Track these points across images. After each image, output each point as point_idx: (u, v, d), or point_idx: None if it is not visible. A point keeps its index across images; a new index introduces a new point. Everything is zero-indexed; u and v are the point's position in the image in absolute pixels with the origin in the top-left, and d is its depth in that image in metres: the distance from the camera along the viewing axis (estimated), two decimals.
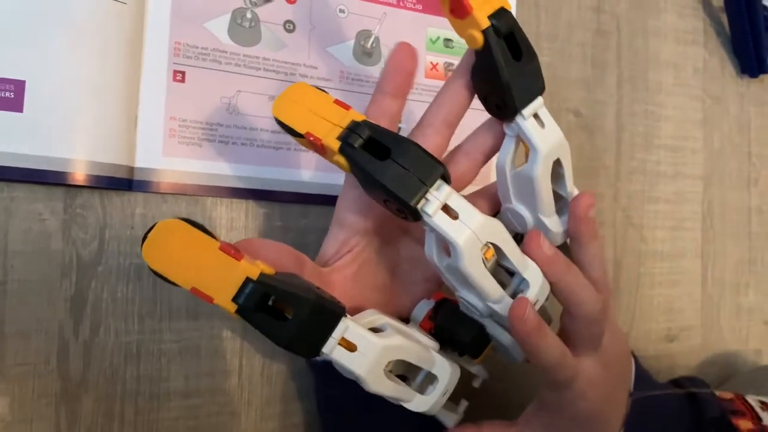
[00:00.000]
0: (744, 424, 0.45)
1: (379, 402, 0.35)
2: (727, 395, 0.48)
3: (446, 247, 0.34)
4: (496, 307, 0.34)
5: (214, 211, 0.43)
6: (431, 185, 0.32)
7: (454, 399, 0.38)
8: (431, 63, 0.50)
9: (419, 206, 0.32)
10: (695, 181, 0.62)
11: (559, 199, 0.39)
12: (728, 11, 0.63)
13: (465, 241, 0.32)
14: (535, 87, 0.35)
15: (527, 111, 0.35)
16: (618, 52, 0.58)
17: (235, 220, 0.43)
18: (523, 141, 0.36)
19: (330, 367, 0.35)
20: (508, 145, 0.37)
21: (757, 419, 0.45)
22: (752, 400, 0.48)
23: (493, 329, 0.37)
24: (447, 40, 0.50)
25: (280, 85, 0.45)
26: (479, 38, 0.33)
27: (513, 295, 0.35)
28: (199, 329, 0.42)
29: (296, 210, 0.45)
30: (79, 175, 0.38)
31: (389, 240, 0.41)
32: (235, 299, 0.31)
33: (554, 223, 0.38)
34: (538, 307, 0.35)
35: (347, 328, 0.32)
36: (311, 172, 0.45)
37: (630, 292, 0.58)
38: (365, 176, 0.32)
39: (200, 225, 0.31)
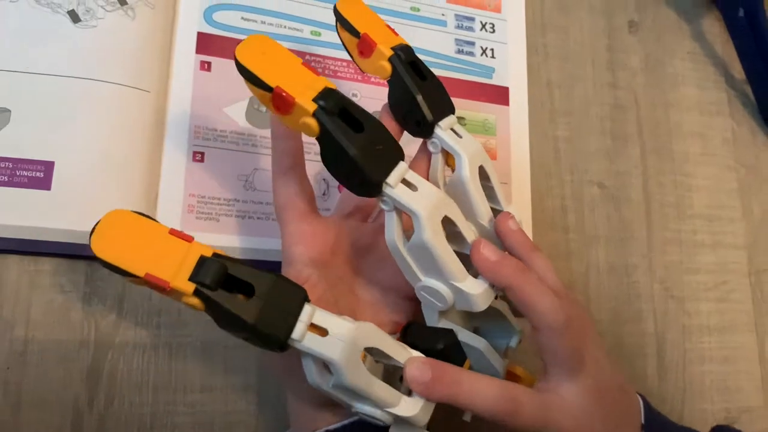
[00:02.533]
0: None
1: None
2: None
3: (406, 227, 0.34)
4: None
5: None
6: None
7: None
8: None
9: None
10: (738, 251, 0.59)
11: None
12: (751, 82, 0.63)
13: (427, 211, 0.32)
14: (446, 106, 0.39)
15: (444, 124, 0.38)
16: (638, 124, 0.58)
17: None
18: (447, 154, 0.39)
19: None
20: (435, 162, 0.39)
21: None
22: None
23: (463, 336, 0.36)
24: (459, 118, 0.52)
25: None
26: (387, 66, 0.38)
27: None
28: (212, 402, 0.42)
29: None
30: None
31: (345, 269, 0.39)
32: (192, 278, 0.29)
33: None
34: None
35: (314, 311, 0.31)
36: None
37: (677, 369, 0.54)
38: (334, 146, 0.31)
39: (148, 215, 0.31)
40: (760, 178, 0.62)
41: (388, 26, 0.41)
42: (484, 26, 0.55)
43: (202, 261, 0.29)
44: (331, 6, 0.40)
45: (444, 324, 0.37)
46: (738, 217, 0.60)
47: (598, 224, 0.55)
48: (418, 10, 0.53)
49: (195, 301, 0.30)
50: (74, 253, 0.40)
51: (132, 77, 0.43)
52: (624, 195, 0.56)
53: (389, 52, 0.38)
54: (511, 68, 0.55)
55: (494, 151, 0.52)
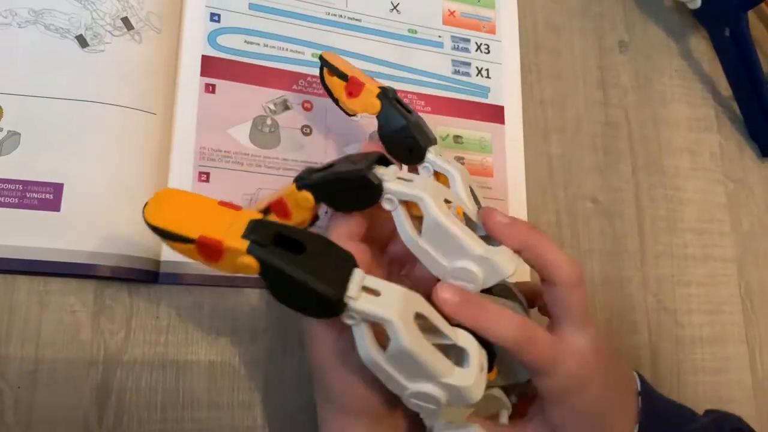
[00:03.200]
0: None
1: None
2: None
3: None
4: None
5: (237, 300, 0.45)
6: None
7: None
8: None
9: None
10: (727, 263, 0.60)
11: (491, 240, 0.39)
12: (737, 99, 0.65)
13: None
14: (431, 137, 0.43)
15: (432, 149, 0.42)
16: (630, 140, 0.60)
17: (257, 309, 0.45)
18: (439, 176, 0.41)
19: None
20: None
21: None
22: None
23: None
24: (456, 137, 0.53)
25: None
26: (377, 102, 0.42)
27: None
28: (220, 419, 0.42)
29: None
30: (110, 268, 0.41)
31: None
32: (245, 236, 0.29)
33: (496, 252, 0.36)
34: (484, 372, 0.34)
35: (364, 276, 0.31)
36: None
37: (671, 380, 0.55)
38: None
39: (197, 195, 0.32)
40: (748, 192, 0.64)
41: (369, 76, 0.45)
42: (479, 47, 0.56)
43: (253, 223, 0.30)
44: (333, 29, 0.41)
45: None
46: (727, 230, 0.62)
47: (592, 238, 0.56)
48: (416, 32, 0.55)
49: (249, 260, 0.29)
50: (83, 273, 0.41)
51: (139, 100, 0.44)
52: (617, 210, 0.58)
53: (377, 90, 0.42)
54: (505, 88, 0.56)
55: (490, 169, 0.53)
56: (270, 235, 0.30)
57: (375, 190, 0.35)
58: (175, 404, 0.42)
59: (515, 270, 0.35)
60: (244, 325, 0.44)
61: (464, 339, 0.34)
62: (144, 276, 0.42)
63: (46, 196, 0.41)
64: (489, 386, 0.37)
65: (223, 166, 0.46)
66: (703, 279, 0.59)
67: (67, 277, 0.41)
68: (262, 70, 0.49)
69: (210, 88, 0.47)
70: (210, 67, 0.47)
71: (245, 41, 0.49)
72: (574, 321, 0.36)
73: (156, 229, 0.30)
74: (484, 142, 0.54)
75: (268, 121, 0.48)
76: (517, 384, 0.40)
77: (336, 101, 0.45)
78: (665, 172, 0.61)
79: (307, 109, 0.50)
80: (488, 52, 0.56)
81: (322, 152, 0.49)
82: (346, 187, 0.35)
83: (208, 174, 0.46)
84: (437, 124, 0.53)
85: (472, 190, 0.41)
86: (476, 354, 0.33)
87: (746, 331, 0.59)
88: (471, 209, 0.39)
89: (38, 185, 0.41)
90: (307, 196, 0.36)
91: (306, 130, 0.49)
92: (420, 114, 0.44)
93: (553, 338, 0.36)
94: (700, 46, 0.66)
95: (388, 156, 0.38)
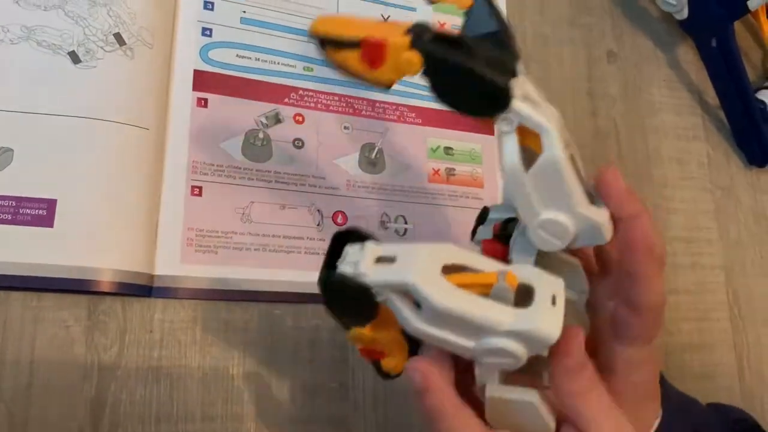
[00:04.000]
0: None
1: None
2: None
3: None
4: (587, 213, 0.30)
5: (230, 314, 0.45)
6: (513, 75, 0.29)
7: None
8: (433, 169, 0.53)
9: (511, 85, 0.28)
10: (715, 270, 0.61)
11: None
12: (724, 108, 0.65)
13: (556, 126, 0.29)
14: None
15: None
16: (619, 150, 0.61)
17: (250, 322, 0.45)
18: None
19: None
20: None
21: None
22: None
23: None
24: (447, 148, 0.54)
25: (291, 195, 0.48)
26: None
27: None
28: (213, 431, 0.43)
29: (309, 310, 0.46)
30: (103, 283, 0.41)
31: None
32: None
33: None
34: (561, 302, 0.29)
35: (380, 245, 0.30)
36: None
37: None
38: (446, 70, 0.29)
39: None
40: (734, 200, 0.65)
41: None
42: None
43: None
44: None
45: None
46: (715, 238, 0.62)
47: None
48: None
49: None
50: (77, 289, 0.41)
51: (132, 115, 0.44)
52: None
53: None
54: None
55: (481, 180, 0.54)
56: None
57: (503, 100, 0.28)
58: (169, 417, 0.42)
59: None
60: (236, 339, 0.44)
61: (520, 270, 0.30)
62: (137, 290, 0.42)
63: (40, 212, 0.41)
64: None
65: (216, 179, 0.46)
66: (692, 286, 0.60)
67: (60, 293, 0.41)
68: (253, 83, 0.49)
69: (202, 103, 0.47)
70: (202, 81, 0.48)
71: (237, 55, 0.49)
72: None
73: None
74: (474, 154, 0.54)
75: (260, 135, 0.49)
76: None
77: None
78: (654, 181, 0.61)
79: (298, 122, 0.50)
80: None
81: (314, 165, 0.49)
82: (469, 82, 0.28)
83: (200, 188, 0.46)
84: (428, 136, 0.53)
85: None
86: (543, 284, 0.29)
87: (734, 337, 0.60)
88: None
89: (31, 201, 0.41)
90: (415, 60, 0.29)
91: (298, 144, 0.50)
92: (410, 125, 0.41)
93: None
94: (688, 56, 0.67)
95: None
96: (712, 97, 0.66)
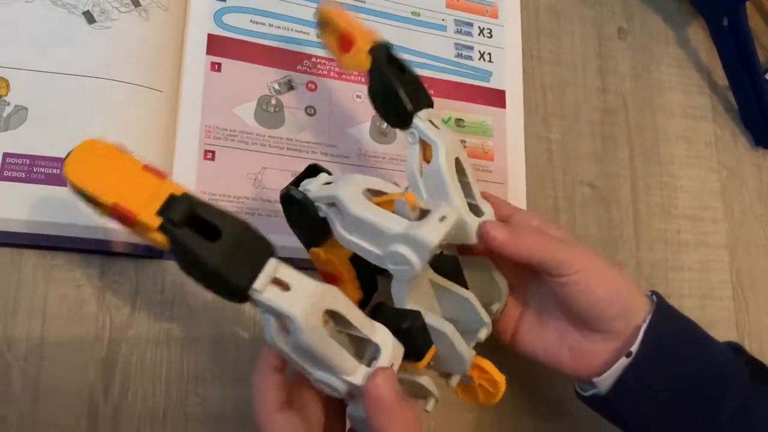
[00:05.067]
0: None
1: None
2: None
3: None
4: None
5: None
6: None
7: None
8: None
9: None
10: (719, 249, 0.62)
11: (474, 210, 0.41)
12: (733, 89, 0.65)
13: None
14: (425, 99, 0.41)
15: (422, 114, 0.40)
16: (627, 127, 0.61)
17: None
18: (425, 145, 0.40)
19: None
20: (413, 153, 0.41)
21: None
22: None
23: (430, 319, 0.37)
24: (458, 120, 0.54)
25: (303, 162, 0.48)
26: (367, 59, 0.40)
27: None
28: (223, 393, 0.43)
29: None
30: (117, 243, 0.41)
31: None
32: (160, 213, 0.29)
33: (469, 216, 0.40)
34: (395, 368, 0.34)
35: (278, 266, 0.31)
36: None
37: None
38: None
39: (122, 148, 0.31)
40: (740, 181, 0.65)
41: (369, 28, 0.43)
42: (482, 31, 0.57)
43: (172, 198, 0.30)
44: None
45: (412, 308, 0.37)
46: (720, 217, 0.63)
47: (588, 223, 0.57)
48: (419, 15, 0.55)
49: (159, 237, 0.30)
50: (89, 248, 0.41)
51: (146, 77, 0.44)
52: (613, 196, 0.59)
53: (368, 45, 0.41)
54: (507, 72, 0.57)
55: (491, 152, 0.54)
56: (186, 214, 0.29)
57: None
58: (179, 379, 0.42)
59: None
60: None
61: (381, 336, 0.34)
62: (149, 252, 0.42)
63: (53, 171, 0.41)
64: (418, 374, 0.38)
65: (229, 144, 0.46)
66: (696, 265, 0.60)
67: (73, 252, 0.41)
68: (267, 49, 0.49)
69: (216, 67, 0.47)
70: (216, 45, 0.47)
71: (251, 20, 0.49)
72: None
73: (74, 187, 0.30)
74: (485, 126, 0.54)
75: (273, 101, 0.48)
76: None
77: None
78: (661, 160, 0.62)
79: (311, 90, 0.50)
80: (491, 36, 0.57)
81: (325, 133, 0.49)
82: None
83: (213, 152, 0.46)
84: (440, 107, 0.53)
85: (460, 164, 0.40)
86: (388, 351, 0.33)
87: (736, 316, 0.61)
88: (458, 201, 0.39)
89: (45, 160, 0.41)
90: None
91: (310, 111, 0.49)
92: None
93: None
94: (698, 35, 0.67)
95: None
96: (720, 77, 0.66)
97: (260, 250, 0.31)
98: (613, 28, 0.63)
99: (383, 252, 0.35)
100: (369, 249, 0.36)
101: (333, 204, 0.36)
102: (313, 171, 0.39)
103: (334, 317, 0.33)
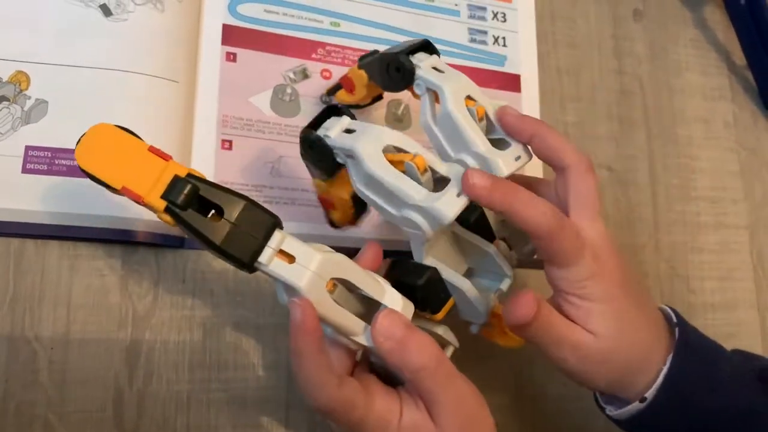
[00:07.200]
0: None
1: None
2: None
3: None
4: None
5: None
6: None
7: None
8: None
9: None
10: (739, 230, 0.61)
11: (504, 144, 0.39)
12: (752, 68, 0.65)
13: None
14: (424, 48, 0.41)
15: (424, 64, 0.40)
16: (644, 109, 0.60)
17: None
18: (435, 94, 0.39)
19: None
20: (424, 104, 0.40)
21: None
22: None
23: (447, 274, 0.37)
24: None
25: None
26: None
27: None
28: (245, 379, 0.44)
29: None
30: (138, 233, 0.42)
31: None
32: (164, 196, 0.31)
33: (493, 152, 0.37)
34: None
35: (284, 239, 0.32)
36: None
37: None
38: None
39: (131, 131, 0.33)
40: (761, 161, 0.64)
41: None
42: (495, 15, 0.56)
43: (176, 180, 0.31)
44: None
45: (431, 263, 0.38)
46: (740, 198, 0.62)
47: (606, 206, 0.57)
48: (432, 0, 0.55)
49: (167, 218, 0.32)
50: (111, 238, 0.42)
51: (162, 68, 0.44)
52: (631, 178, 0.58)
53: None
54: (522, 56, 0.56)
55: None
56: (189, 195, 0.31)
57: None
58: (202, 365, 0.43)
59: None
60: (267, 288, 0.45)
61: (390, 297, 0.35)
62: (170, 241, 0.43)
63: (74, 163, 0.41)
64: (436, 324, 0.39)
65: (245, 134, 0.47)
66: (715, 246, 0.60)
67: (95, 242, 0.42)
68: (281, 38, 0.49)
69: (231, 57, 0.47)
70: (231, 35, 0.48)
71: (265, 10, 0.49)
72: (585, 207, 0.37)
73: (85, 173, 0.32)
74: None
75: (288, 90, 0.49)
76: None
77: (350, 106, 0.46)
78: (679, 141, 0.61)
79: (326, 78, 0.50)
80: (504, 20, 0.57)
81: None
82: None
83: (231, 142, 0.46)
84: None
85: (470, 98, 0.39)
86: (398, 309, 0.35)
87: (757, 297, 0.60)
88: (476, 139, 0.38)
89: (66, 152, 0.41)
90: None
91: (325, 99, 0.50)
92: None
93: (578, 228, 0.36)
94: (715, 15, 0.66)
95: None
96: (739, 57, 0.65)
97: (265, 224, 0.32)
98: (629, 9, 0.63)
99: (398, 213, 0.36)
100: (384, 206, 0.36)
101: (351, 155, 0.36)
102: (334, 111, 0.39)
103: (343, 281, 0.34)
